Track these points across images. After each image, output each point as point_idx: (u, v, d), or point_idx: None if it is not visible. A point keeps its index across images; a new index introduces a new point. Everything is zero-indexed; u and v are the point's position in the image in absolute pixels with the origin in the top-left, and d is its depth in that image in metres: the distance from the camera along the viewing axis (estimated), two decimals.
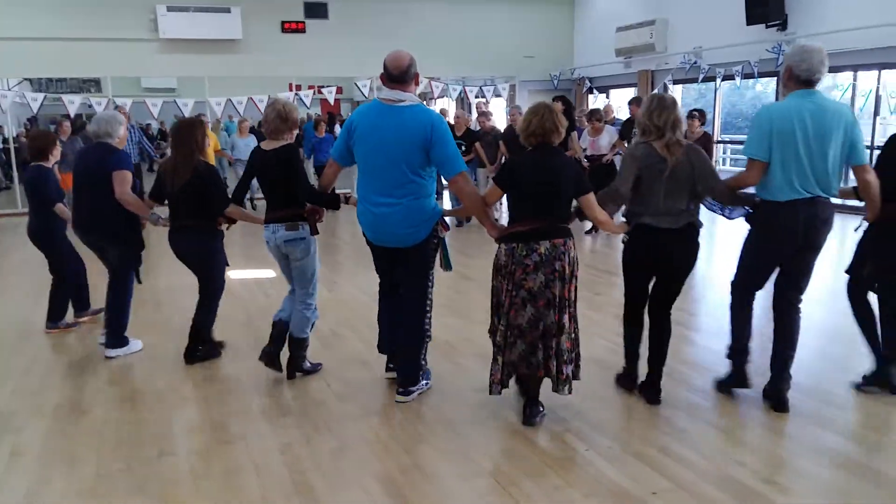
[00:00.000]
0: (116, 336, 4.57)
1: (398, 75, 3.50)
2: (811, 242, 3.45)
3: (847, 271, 3.90)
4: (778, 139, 3.32)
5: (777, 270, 3.64)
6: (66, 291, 5.19)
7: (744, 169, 3.52)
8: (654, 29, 12.58)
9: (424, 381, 3.92)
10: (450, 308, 5.54)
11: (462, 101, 16.14)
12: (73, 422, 3.68)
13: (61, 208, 4.97)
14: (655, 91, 3.41)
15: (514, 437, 3.40)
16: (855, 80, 10.13)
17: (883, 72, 9.67)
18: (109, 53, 12.24)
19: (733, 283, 3.76)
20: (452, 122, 9.86)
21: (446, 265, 3.85)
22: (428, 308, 3.82)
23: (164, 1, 12.27)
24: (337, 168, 3.83)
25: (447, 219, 3.92)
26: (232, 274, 6.80)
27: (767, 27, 10.46)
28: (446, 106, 16.73)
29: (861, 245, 3.84)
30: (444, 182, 3.72)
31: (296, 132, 3.98)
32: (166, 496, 2.94)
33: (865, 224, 3.72)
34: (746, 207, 3.61)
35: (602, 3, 14.50)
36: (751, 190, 3.56)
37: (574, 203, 3.46)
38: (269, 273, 6.67)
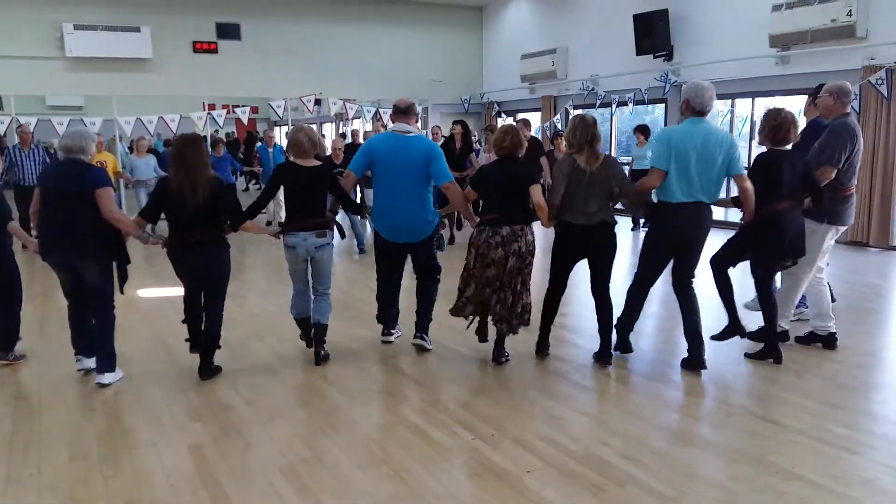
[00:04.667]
0: (111, 359, 4.37)
1: (405, 108, 4.79)
2: (696, 235, 4.42)
3: (712, 258, 4.67)
4: (675, 155, 4.24)
5: (670, 264, 4.55)
6: (16, 315, 4.83)
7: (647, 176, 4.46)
8: (556, 57, 13.36)
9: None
10: (359, 320, 5.84)
11: (376, 122, 16.47)
12: None
13: (15, 227, 4.71)
14: (579, 112, 4.57)
15: (409, 430, 3.74)
16: (733, 106, 11.12)
17: (756, 99, 10.67)
18: (13, 70, 11.97)
19: (637, 276, 4.66)
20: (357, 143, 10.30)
21: (442, 247, 5.03)
22: (438, 278, 5.03)
23: (71, 19, 12.12)
24: (354, 179, 4.88)
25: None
26: (140, 293, 6.89)
27: (655, 57, 11.34)
28: (359, 126, 17.06)
29: (730, 240, 4.69)
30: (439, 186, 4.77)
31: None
32: (76, 496, 3.11)
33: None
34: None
35: (508, 31, 15.25)
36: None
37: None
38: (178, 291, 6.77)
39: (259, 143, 13.84)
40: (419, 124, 14.88)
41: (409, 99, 4.89)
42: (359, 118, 15.25)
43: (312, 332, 4.74)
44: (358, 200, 5.25)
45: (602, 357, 4.66)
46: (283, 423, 3.86)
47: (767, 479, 3.17)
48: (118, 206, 4.48)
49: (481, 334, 4.77)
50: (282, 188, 4.59)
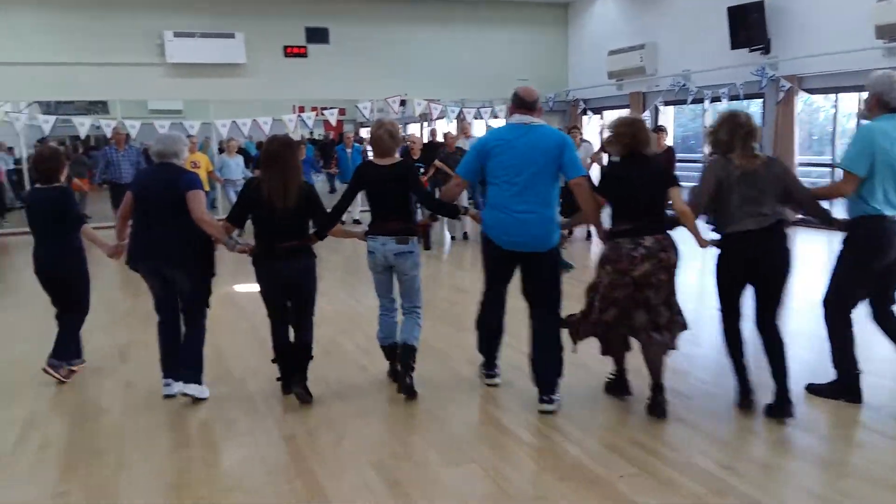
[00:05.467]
0: (198, 371, 4.21)
1: (531, 102, 3.94)
2: None
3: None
4: (879, 157, 3.60)
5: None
6: (81, 322, 4.71)
7: (836, 181, 3.80)
8: (644, 52, 13.03)
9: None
10: (443, 318, 5.87)
11: (460, 122, 16.53)
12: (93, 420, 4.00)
13: (89, 231, 4.55)
14: (729, 110, 3.81)
15: (498, 431, 3.73)
16: (836, 101, 10.53)
17: (862, 94, 10.05)
18: (117, 77, 12.68)
19: (827, 301, 3.89)
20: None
21: (566, 266, 4.21)
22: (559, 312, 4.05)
23: (171, 27, 12.73)
24: (464, 184, 4.24)
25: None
26: (237, 287, 7.15)
27: (751, 51, 10.88)
28: (446, 127, 17.14)
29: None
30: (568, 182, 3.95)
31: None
32: (181, 482, 3.27)
33: None
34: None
35: (594, 27, 14.98)
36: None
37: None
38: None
39: (338, 144, 14.15)
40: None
41: (533, 89, 4.01)
42: (443, 118, 15.33)
43: (399, 355, 4.21)
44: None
45: (780, 409, 3.70)
46: (372, 419, 3.92)
47: (881, 495, 2.98)
48: (211, 206, 4.54)
49: (621, 386, 4.08)
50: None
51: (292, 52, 13.77)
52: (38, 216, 4.51)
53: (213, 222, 4.06)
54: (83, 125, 12.69)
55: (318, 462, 3.41)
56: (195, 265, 4.12)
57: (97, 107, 17.89)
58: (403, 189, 4.09)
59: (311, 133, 21.23)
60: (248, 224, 4.15)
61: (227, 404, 4.17)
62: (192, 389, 4.12)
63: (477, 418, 3.86)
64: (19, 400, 4.30)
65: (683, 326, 3.84)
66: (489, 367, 4.37)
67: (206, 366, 4.27)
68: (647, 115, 13.13)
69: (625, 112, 13.48)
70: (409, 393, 4.11)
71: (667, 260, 3.66)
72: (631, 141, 3.74)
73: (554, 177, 3.90)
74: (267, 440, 3.69)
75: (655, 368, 3.81)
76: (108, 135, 11.97)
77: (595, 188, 3.90)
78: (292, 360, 4.15)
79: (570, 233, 4.21)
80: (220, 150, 13.15)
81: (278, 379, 4.20)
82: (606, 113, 15.02)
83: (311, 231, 4.11)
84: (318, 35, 13.84)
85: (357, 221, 10.96)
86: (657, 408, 3.79)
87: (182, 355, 4.19)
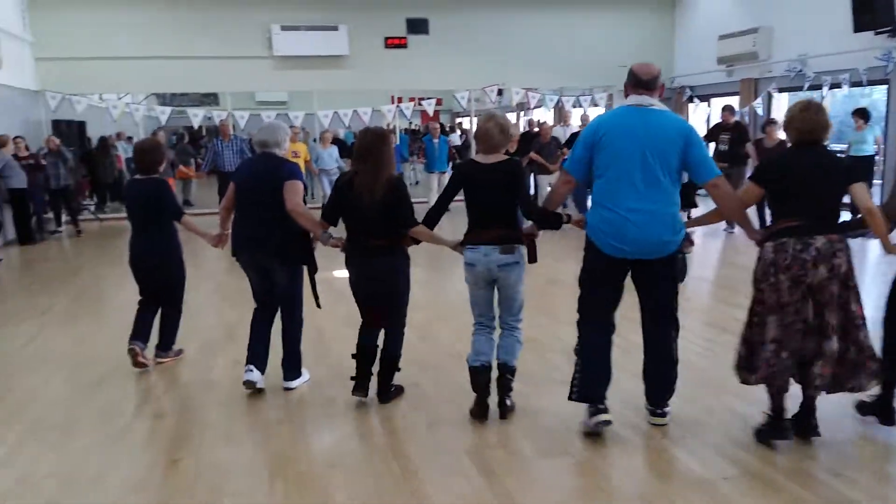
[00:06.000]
0: (297, 365, 4.27)
1: (648, 80, 3.36)
2: None
3: None
4: None
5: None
6: (179, 312, 4.79)
7: None
8: (757, 37, 12.36)
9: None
10: (538, 308, 5.81)
11: (559, 111, 16.32)
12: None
13: (189, 221, 4.57)
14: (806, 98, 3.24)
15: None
16: None
17: None
18: (228, 69, 13.28)
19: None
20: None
21: (682, 277, 3.55)
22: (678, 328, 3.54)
23: (278, 21, 13.19)
24: (572, 184, 3.57)
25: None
26: (336, 273, 7.33)
27: (877, 34, 10.11)
28: (543, 116, 16.96)
29: None
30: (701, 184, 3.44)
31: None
32: (285, 454, 3.41)
33: None
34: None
35: (704, 10, 14.36)
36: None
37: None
38: None
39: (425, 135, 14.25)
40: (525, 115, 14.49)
41: (653, 65, 3.40)
42: (541, 107, 15.17)
43: (497, 375, 3.74)
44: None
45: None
46: (466, 406, 3.92)
47: None
48: (308, 193, 4.51)
49: (808, 426, 3.34)
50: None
51: (393, 44, 13.97)
52: (135, 207, 4.56)
53: (306, 213, 3.95)
54: (196, 116, 13.40)
55: (414, 445, 3.47)
56: (292, 258, 4.07)
57: (209, 98, 18.82)
58: (509, 191, 3.57)
59: (410, 123, 21.51)
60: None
61: (327, 383, 4.30)
62: (294, 384, 4.23)
63: (571, 411, 3.79)
64: (136, 376, 4.59)
65: (872, 372, 3.22)
66: (598, 407, 3.50)
67: (306, 346, 4.39)
68: (759, 103, 12.48)
69: (734, 100, 12.87)
70: (508, 413, 3.75)
71: (839, 267, 3.14)
72: (805, 126, 3.21)
73: (676, 170, 3.32)
74: (364, 420, 3.80)
75: (812, 396, 3.32)
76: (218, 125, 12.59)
77: (752, 177, 3.38)
78: (371, 364, 3.95)
79: (692, 242, 3.52)
80: (315, 140, 13.56)
81: (352, 378, 3.95)
82: (714, 101, 14.41)
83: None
84: (418, 26, 13.97)
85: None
86: (810, 430, 3.34)
87: (283, 354, 4.22)
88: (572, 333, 3.72)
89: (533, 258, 3.70)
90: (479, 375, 3.69)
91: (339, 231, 3.94)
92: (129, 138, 16.03)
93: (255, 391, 4.15)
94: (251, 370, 4.13)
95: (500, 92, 14.38)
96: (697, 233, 6.37)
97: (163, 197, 4.52)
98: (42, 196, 10.69)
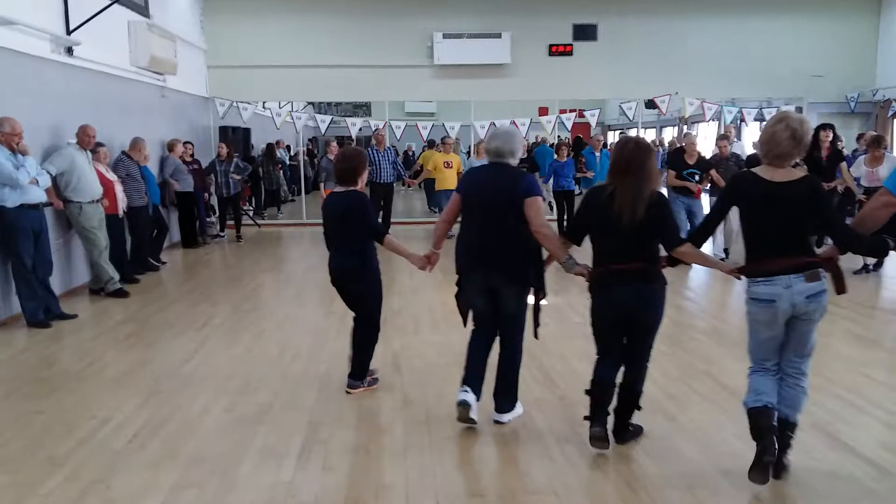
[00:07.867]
0: (513, 397, 3.83)
1: None
2: None
3: None
4: None
5: None
6: (369, 343, 4.32)
7: None
8: None
9: None
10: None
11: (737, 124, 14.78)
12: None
13: (392, 242, 4.12)
14: None
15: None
16: None
17: None
18: (386, 79, 13.01)
19: None
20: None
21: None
22: None
23: (441, 29, 12.78)
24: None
25: None
26: None
27: None
28: (711, 130, 15.46)
29: None
30: None
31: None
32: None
33: None
34: None
35: None
36: None
37: None
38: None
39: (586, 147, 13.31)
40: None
41: None
42: (717, 120, 13.79)
43: (780, 434, 3.09)
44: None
45: None
46: (690, 446, 3.04)
47: None
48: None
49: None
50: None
51: (557, 51, 13.18)
52: (330, 222, 4.19)
53: (552, 235, 3.54)
54: (354, 125, 13.20)
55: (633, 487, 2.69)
56: (524, 279, 3.65)
57: (361, 109, 18.91)
58: (805, 214, 2.97)
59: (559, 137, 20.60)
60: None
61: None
62: (506, 418, 3.79)
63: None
64: (298, 408, 4.10)
65: None
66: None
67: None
68: None
69: None
70: (783, 472, 3.14)
71: None
72: None
73: None
74: (575, 457, 3.41)
75: None
76: (369, 135, 12.37)
77: None
78: (609, 402, 3.43)
79: None
80: (468, 153, 13.07)
81: (586, 418, 3.45)
82: None
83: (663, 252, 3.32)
84: (586, 32, 13.11)
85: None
86: None
87: (497, 384, 3.78)
88: None
89: (841, 287, 3.03)
90: (761, 418, 3.01)
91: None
92: (287, 147, 16.32)
93: (467, 422, 3.66)
94: (466, 391, 3.68)
95: (648, 104, 13.30)
96: None
97: (359, 212, 4.08)
98: (204, 200, 10.89)
